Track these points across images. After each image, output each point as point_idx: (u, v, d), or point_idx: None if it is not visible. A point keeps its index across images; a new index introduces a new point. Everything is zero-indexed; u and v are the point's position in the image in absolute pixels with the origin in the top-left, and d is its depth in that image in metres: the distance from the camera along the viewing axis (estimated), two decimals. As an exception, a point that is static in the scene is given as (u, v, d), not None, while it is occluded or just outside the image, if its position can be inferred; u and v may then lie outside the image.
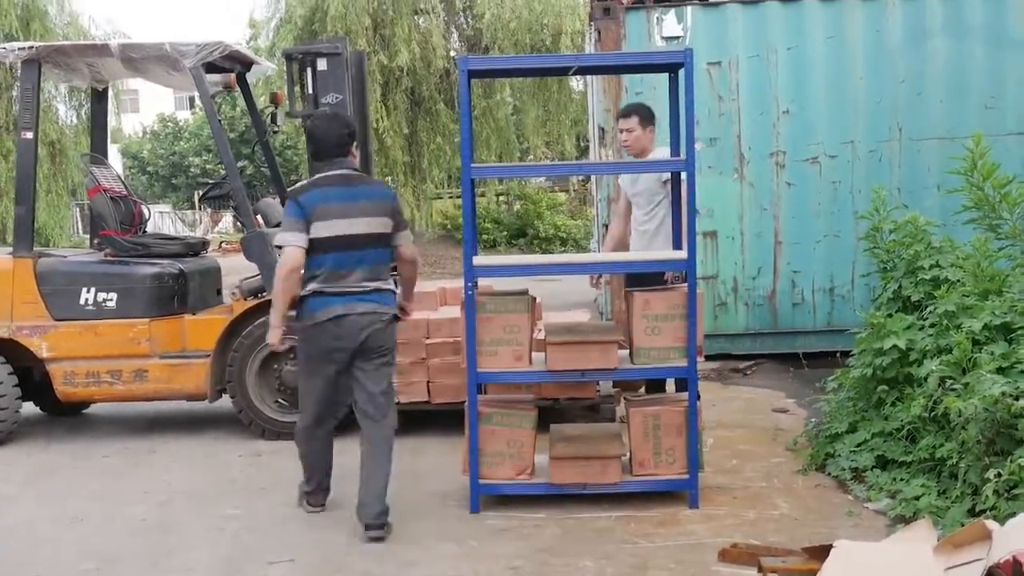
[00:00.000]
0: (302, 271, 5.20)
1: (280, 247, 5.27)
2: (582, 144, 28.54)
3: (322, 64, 7.51)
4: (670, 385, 6.53)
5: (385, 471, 5.30)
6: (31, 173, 7.76)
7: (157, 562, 5.04)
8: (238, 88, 8.27)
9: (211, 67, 7.69)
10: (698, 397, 5.54)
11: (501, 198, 30.50)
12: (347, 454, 5.77)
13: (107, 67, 8.02)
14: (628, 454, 5.60)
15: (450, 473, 6.04)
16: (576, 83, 23.32)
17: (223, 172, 7.91)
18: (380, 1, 21.77)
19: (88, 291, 7.49)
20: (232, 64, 8.04)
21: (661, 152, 6.47)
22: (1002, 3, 9.17)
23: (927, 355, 5.60)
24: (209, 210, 41.26)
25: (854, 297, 9.22)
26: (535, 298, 5.79)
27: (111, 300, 7.49)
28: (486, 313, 5.45)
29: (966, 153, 6.49)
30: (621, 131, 6.62)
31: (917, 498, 5.04)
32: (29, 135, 7.67)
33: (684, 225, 5.80)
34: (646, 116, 6.53)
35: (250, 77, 8.56)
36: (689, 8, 9.36)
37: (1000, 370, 4.95)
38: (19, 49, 7.66)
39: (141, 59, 7.70)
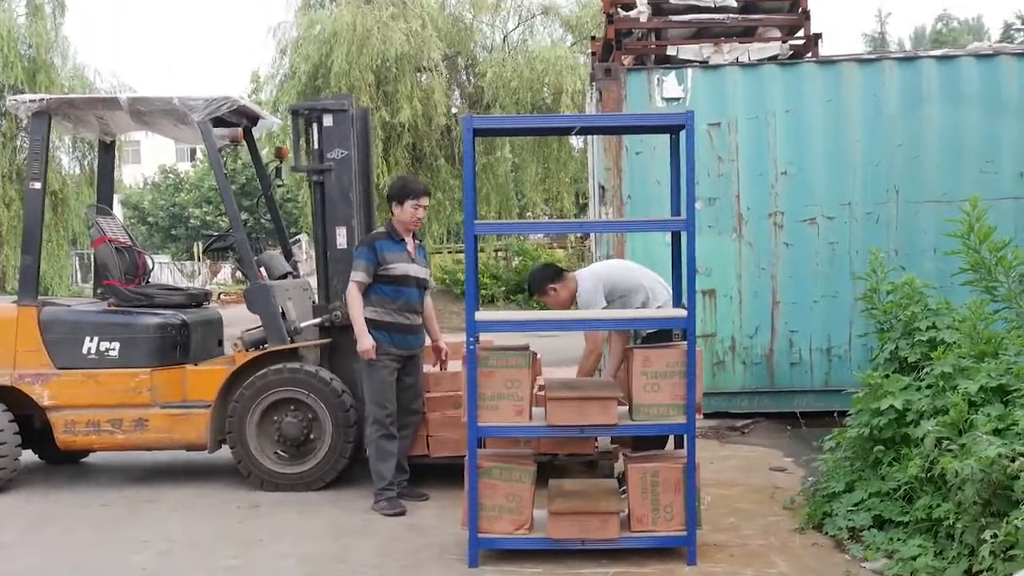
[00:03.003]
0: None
1: None
2: (581, 201, 28.69)
3: (328, 120, 7.59)
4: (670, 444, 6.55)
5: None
6: (38, 223, 7.82)
7: (156, 612, 5.06)
8: (244, 142, 8.37)
9: (218, 121, 7.81)
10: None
11: (500, 254, 30.58)
12: (350, 510, 5.81)
13: (116, 120, 8.13)
14: (626, 510, 5.63)
15: (449, 527, 6.05)
16: (576, 141, 23.50)
17: (225, 224, 7.98)
18: (383, 59, 22.00)
19: (91, 340, 7.54)
20: (239, 118, 8.15)
21: None
22: (997, 70, 9.31)
23: (924, 416, 5.65)
24: (208, 261, 41.34)
25: (851, 357, 9.26)
26: (536, 353, 5.84)
27: (114, 349, 7.54)
28: (488, 368, 5.50)
29: (963, 216, 6.57)
30: None
31: (914, 558, 5.07)
32: (37, 185, 7.74)
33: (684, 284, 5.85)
34: None
35: (256, 131, 8.65)
36: (690, 70, 9.50)
37: (996, 431, 5.00)
38: (30, 101, 7.76)
39: (149, 112, 7.82)
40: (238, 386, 7.44)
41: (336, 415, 7.28)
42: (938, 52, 9.75)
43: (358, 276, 6.77)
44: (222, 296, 26.51)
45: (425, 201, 6.90)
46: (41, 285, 9.18)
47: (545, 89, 23.71)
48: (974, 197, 6.64)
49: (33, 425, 7.77)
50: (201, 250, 32.28)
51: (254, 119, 8.46)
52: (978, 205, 6.53)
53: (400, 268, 6.81)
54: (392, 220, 6.92)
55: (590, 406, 5.49)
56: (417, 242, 7.04)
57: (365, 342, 6.71)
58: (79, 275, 36.37)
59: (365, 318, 6.75)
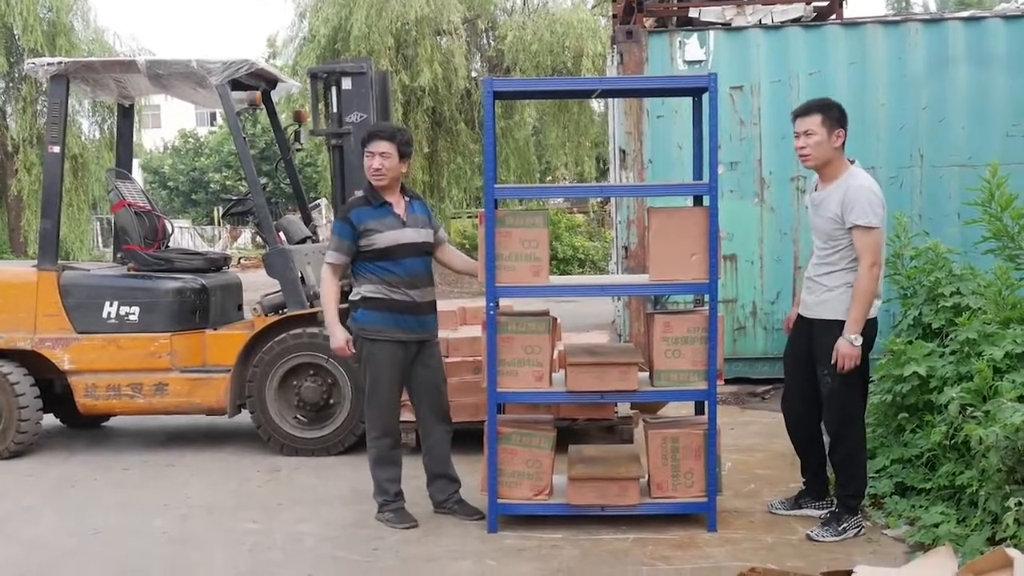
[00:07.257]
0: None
1: None
2: (602, 166, 28.58)
3: (347, 83, 7.56)
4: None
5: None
6: (57, 187, 7.84)
7: (177, 575, 5.08)
8: (263, 106, 8.33)
9: (236, 84, 7.75)
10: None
11: (519, 218, 30.48)
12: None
13: (134, 83, 8.09)
14: (646, 476, 5.61)
15: (468, 492, 6.03)
16: (597, 105, 23.36)
17: (245, 188, 7.96)
18: (403, 22, 21.88)
19: (111, 305, 7.56)
20: (257, 82, 8.10)
21: (860, 177, 5.27)
22: (1024, 32, 9.18)
23: (947, 382, 5.59)
24: (228, 226, 41.45)
25: (874, 323, 9.17)
26: (555, 319, 5.80)
27: (133, 314, 7.55)
28: (507, 333, 5.47)
29: (983, 183, 6.47)
30: (797, 135, 5.33)
31: (936, 525, 5.03)
32: (56, 149, 7.74)
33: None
34: (834, 117, 5.25)
35: (274, 95, 8.61)
36: (712, 32, 9.40)
37: (1021, 398, 4.94)
38: (48, 65, 7.73)
39: (167, 76, 7.77)
40: (257, 351, 7.45)
41: (355, 380, 7.27)
42: (965, 14, 9.63)
43: (332, 257, 5.66)
44: (242, 260, 26.57)
45: (380, 146, 5.52)
46: (63, 250, 9.19)
47: (566, 52, 23.53)
48: (993, 164, 6.52)
49: (54, 389, 7.82)
50: (220, 215, 32.36)
51: (272, 82, 8.41)
52: (998, 172, 6.42)
53: (387, 238, 5.56)
54: None
55: (610, 372, 5.45)
56: (407, 199, 5.74)
57: (336, 336, 5.71)
58: (100, 239, 36.55)
59: (362, 296, 5.66)
